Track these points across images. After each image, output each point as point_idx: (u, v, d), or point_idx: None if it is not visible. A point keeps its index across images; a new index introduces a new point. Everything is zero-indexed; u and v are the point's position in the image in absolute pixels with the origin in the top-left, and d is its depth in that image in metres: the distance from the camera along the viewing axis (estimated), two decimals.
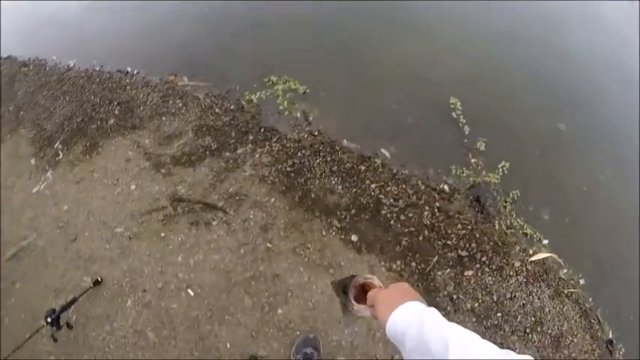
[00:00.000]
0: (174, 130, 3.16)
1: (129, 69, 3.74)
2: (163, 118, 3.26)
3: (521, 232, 2.98)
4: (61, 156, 3.28)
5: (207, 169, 2.90)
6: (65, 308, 2.26)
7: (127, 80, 3.70)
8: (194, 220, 2.74)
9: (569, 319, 2.68)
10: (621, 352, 2.77)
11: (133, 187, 3.00)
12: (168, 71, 3.56)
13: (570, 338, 2.62)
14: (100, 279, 2.57)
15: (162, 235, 2.74)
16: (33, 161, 3.33)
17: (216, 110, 3.22)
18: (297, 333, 2.36)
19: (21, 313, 2.59)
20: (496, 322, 2.53)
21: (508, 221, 3.00)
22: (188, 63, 3.58)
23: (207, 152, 2.98)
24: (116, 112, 3.48)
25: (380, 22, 3.99)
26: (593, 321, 2.77)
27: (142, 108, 3.41)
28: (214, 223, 2.70)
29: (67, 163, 3.23)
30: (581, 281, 2.92)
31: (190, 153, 3.00)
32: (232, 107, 3.25)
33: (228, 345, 2.36)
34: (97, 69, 3.91)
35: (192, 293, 2.52)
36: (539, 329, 2.57)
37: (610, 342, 2.75)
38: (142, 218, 2.84)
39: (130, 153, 3.16)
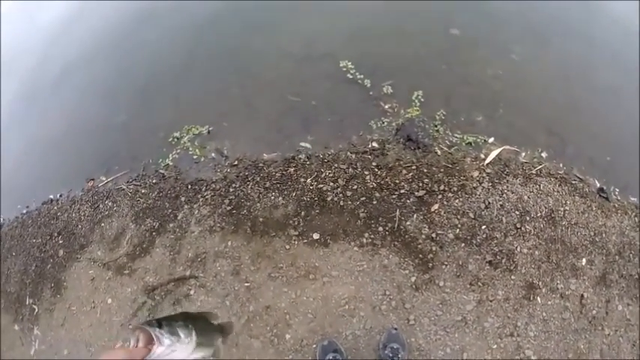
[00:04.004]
0: (117, 230, 3.15)
1: (51, 196, 3.70)
2: (102, 224, 3.24)
3: (464, 144, 3.04)
4: (37, 309, 3.24)
5: (162, 248, 2.90)
6: None
7: (55, 207, 3.67)
8: (174, 300, 2.74)
9: (550, 194, 2.76)
10: (616, 192, 2.88)
11: (109, 300, 2.98)
12: (85, 178, 3.54)
13: (562, 209, 2.69)
14: None
15: None
16: (16, 327, 3.30)
17: (143, 191, 3.21)
18: (314, 346, 2.39)
19: None
20: (485, 235, 2.59)
21: (447, 141, 3.05)
22: (98, 162, 3.56)
23: (154, 233, 2.97)
24: (60, 241, 3.45)
25: (238, 31, 4.02)
26: (574, 182, 2.86)
27: (80, 226, 3.39)
28: (192, 292, 2.71)
29: (46, 312, 3.20)
30: (543, 154, 3.01)
31: (140, 242, 2.99)
32: (154, 180, 3.25)
33: None
34: (25, 212, 3.87)
35: None
36: (528, 218, 2.64)
37: (601, 190, 2.84)
38: (131, 323, 2.83)
39: (91, 272, 3.14)
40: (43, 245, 3.51)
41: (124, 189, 3.30)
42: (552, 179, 2.84)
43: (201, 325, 1.22)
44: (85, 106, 4.05)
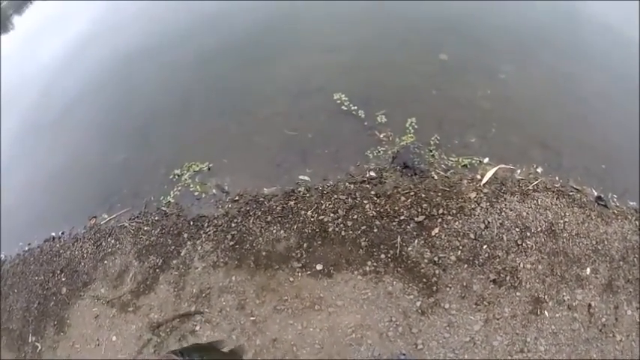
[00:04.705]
0: (120, 267, 3.18)
1: (53, 234, 3.72)
2: (105, 262, 3.27)
3: (459, 166, 3.10)
4: (40, 347, 3.23)
5: (166, 285, 2.93)
6: None
7: (57, 245, 3.69)
8: (180, 336, 2.76)
9: (549, 208, 2.81)
10: (615, 199, 2.92)
11: (114, 338, 2.98)
12: (87, 216, 3.57)
13: (561, 221, 2.74)
14: None
15: None
16: None
17: (145, 228, 3.26)
18: None
19: None
20: (487, 255, 2.62)
21: (443, 165, 3.12)
22: (100, 200, 3.61)
23: (157, 270, 3.01)
24: (63, 279, 3.46)
25: (235, 70, 4.13)
26: (571, 193, 2.92)
27: (82, 263, 3.41)
28: (197, 328, 2.73)
29: (49, 349, 3.19)
30: (539, 170, 3.07)
31: (144, 279, 3.02)
32: (157, 218, 3.30)
33: None
34: (27, 249, 3.88)
35: None
36: (528, 234, 2.69)
37: (599, 198, 2.90)
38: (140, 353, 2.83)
39: (95, 309, 3.15)
40: (46, 282, 3.52)
41: (126, 226, 3.34)
42: (549, 193, 2.90)
43: (214, 355, 1.32)
44: (86, 145, 4.12)
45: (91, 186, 3.79)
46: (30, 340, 3.28)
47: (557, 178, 3.02)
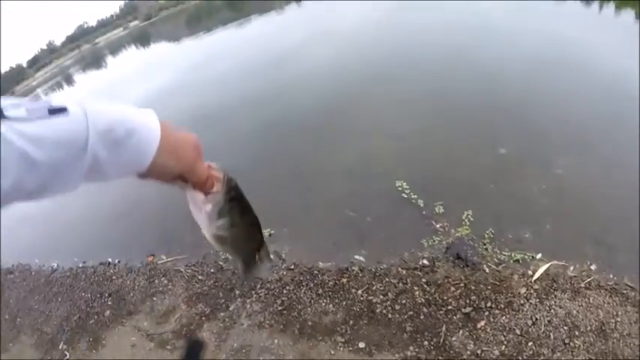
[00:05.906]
0: (168, 307, 3.37)
1: (110, 260, 4.01)
2: (154, 298, 3.48)
3: (512, 261, 3.10)
4: (67, 356, 3.38)
5: (209, 334, 3.07)
6: None
7: (111, 271, 3.96)
8: None
9: (601, 306, 2.68)
10: None
11: None
12: (146, 253, 3.86)
13: (613, 321, 2.61)
14: None
15: None
16: None
17: (199, 277, 3.49)
18: None
19: None
20: (531, 352, 2.54)
21: (495, 259, 3.14)
22: (161, 241, 3.93)
23: (204, 318, 3.18)
24: (109, 302, 3.68)
25: (306, 145, 4.52)
26: (625, 291, 2.77)
27: (132, 294, 3.64)
28: None
29: None
30: (592, 267, 2.96)
31: (188, 323, 3.19)
32: (212, 270, 3.52)
33: None
34: (81, 265, 4.19)
35: None
36: (577, 333, 2.58)
37: None
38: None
39: (133, 339, 3.30)
40: (92, 301, 3.77)
41: (181, 271, 3.58)
42: (602, 291, 2.80)
43: None
44: (156, 189, 4.40)
45: (155, 227, 4.11)
46: (60, 347, 3.47)
47: (611, 275, 2.91)
